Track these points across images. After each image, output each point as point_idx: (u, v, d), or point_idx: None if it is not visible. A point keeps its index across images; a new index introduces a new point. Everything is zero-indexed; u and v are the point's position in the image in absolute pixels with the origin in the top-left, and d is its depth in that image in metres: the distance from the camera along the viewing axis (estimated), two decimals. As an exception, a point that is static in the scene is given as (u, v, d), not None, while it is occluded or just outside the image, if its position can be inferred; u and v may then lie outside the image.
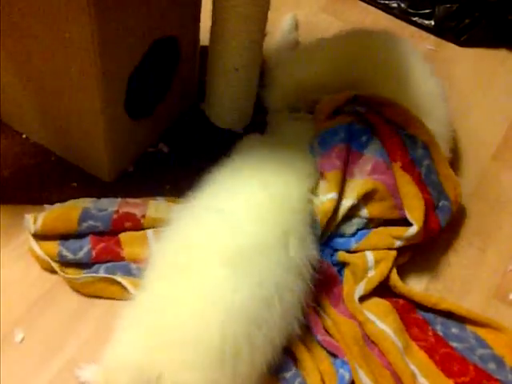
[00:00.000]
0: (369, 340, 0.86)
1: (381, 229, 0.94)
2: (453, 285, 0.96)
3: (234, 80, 1.00)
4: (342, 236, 0.94)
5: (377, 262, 0.91)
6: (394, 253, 0.92)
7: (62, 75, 0.86)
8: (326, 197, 0.91)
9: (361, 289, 0.90)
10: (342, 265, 0.93)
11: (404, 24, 1.36)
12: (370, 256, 0.92)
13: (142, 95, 0.96)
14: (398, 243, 0.92)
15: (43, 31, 0.81)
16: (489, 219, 1.05)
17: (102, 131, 0.90)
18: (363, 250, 0.93)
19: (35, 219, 0.89)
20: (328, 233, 0.93)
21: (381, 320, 0.87)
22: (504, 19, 1.30)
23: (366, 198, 0.93)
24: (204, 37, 1.01)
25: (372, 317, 0.87)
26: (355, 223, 0.94)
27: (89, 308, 0.87)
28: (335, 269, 0.92)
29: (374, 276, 0.90)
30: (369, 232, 0.94)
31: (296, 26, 1.28)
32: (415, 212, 0.91)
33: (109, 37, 0.80)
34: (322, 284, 0.88)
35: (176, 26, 0.94)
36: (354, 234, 0.95)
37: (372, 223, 0.95)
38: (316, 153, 0.95)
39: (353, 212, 0.94)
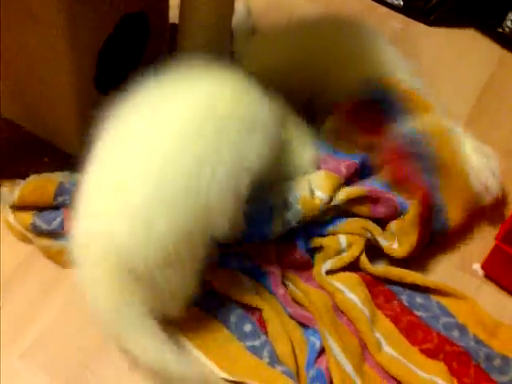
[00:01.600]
0: (338, 310, 0.89)
1: (357, 219, 0.95)
2: (419, 256, 0.99)
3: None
4: (317, 223, 0.95)
5: (349, 244, 0.93)
6: (364, 239, 0.94)
7: (32, 51, 0.86)
8: (319, 194, 0.92)
9: (328, 264, 0.92)
10: (315, 250, 0.94)
11: (374, 3, 1.38)
12: (342, 238, 0.93)
13: (112, 70, 0.97)
14: (368, 235, 0.94)
15: (11, 7, 0.81)
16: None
17: (71, 105, 0.90)
18: (336, 234, 0.94)
19: (11, 191, 0.90)
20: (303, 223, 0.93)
21: (349, 290, 0.90)
22: (471, -1, 1.33)
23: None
24: (174, 14, 1.02)
25: (341, 287, 0.90)
26: (331, 214, 0.95)
27: (64, 277, 0.89)
28: (308, 255, 0.93)
29: (344, 256, 0.92)
30: (346, 220, 0.95)
31: (249, 12, 1.25)
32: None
33: (76, 11, 0.81)
34: (294, 267, 0.91)
35: (145, 1, 0.95)
36: (329, 222, 0.95)
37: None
38: (323, 148, 0.99)
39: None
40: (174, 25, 1.03)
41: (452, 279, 0.98)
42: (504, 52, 1.32)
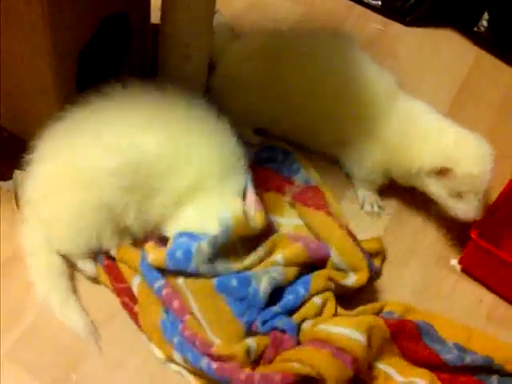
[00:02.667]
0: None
1: (317, 272, 0.92)
2: (397, 252, 1.01)
3: (184, 56, 1.02)
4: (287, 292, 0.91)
5: (323, 304, 0.90)
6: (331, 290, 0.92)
7: (14, 53, 0.87)
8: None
9: (309, 323, 0.89)
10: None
11: (352, 4, 1.40)
12: (316, 299, 0.90)
13: (94, 72, 0.97)
14: (332, 286, 0.92)
15: (-7, 7, 0.82)
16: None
17: (54, 106, 0.91)
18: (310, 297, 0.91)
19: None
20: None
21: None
22: (447, -1, 1.36)
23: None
24: (156, 15, 1.03)
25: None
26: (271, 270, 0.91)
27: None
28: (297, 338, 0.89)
29: (324, 317, 0.89)
30: (310, 278, 0.92)
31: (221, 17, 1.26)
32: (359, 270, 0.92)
33: (58, 13, 0.81)
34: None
35: (126, 2, 0.95)
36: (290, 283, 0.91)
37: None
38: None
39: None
40: (155, 25, 1.04)
41: (430, 275, 1.00)
42: (480, 51, 1.35)
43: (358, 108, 1.03)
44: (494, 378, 0.87)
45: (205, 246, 0.85)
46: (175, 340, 0.83)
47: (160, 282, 0.86)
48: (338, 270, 0.92)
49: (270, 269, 0.89)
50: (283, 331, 0.85)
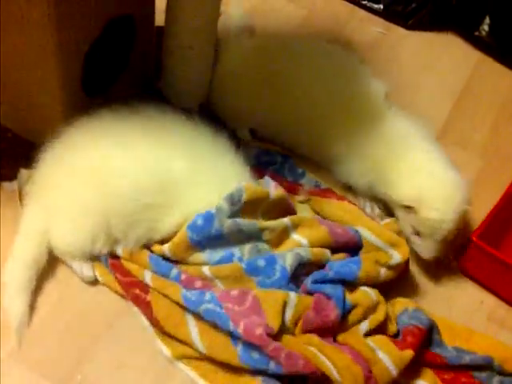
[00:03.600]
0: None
1: (365, 254, 0.94)
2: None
3: (188, 59, 1.03)
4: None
5: (377, 301, 0.90)
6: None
7: (20, 52, 0.87)
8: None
9: (365, 325, 0.89)
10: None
11: (354, 7, 1.41)
12: (372, 294, 0.91)
13: (99, 73, 0.98)
14: (381, 272, 0.93)
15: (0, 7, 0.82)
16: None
17: (59, 107, 0.91)
18: (363, 282, 0.91)
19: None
20: None
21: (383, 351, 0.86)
22: (449, 4, 1.36)
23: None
24: (160, 17, 1.04)
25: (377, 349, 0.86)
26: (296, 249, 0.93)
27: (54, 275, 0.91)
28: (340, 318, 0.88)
29: (378, 314, 0.90)
30: (359, 257, 0.93)
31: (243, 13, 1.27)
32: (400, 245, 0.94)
33: (65, 14, 0.82)
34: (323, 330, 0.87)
35: (132, 4, 0.96)
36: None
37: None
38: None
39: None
40: (160, 28, 1.04)
41: (431, 277, 1.01)
42: (481, 55, 1.36)
43: (345, 122, 1.04)
44: (495, 379, 0.88)
45: (223, 204, 0.88)
46: (202, 309, 0.82)
47: (175, 271, 0.88)
48: (378, 250, 0.93)
49: (295, 249, 0.90)
50: (329, 298, 0.86)
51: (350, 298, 0.88)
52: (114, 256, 0.91)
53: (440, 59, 1.35)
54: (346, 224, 0.97)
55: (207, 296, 0.84)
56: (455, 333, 0.93)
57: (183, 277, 0.88)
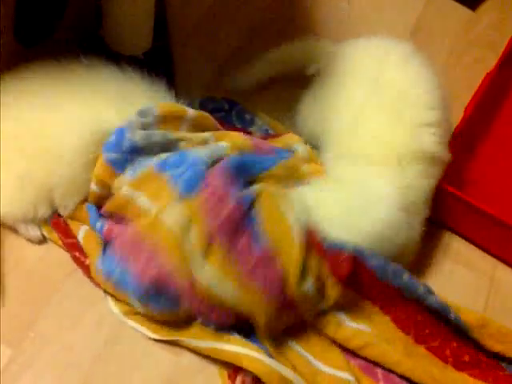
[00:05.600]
0: None
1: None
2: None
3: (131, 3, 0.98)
4: None
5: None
6: None
7: None
8: None
9: None
10: None
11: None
12: None
13: (34, 20, 0.93)
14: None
15: None
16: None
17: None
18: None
19: None
20: None
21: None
22: None
23: None
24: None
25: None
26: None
27: None
28: None
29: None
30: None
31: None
32: None
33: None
34: None
35: None
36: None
37: None
38: None
39: None
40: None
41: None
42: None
43: None
44: None
45: (133, 117, 0.85)
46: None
47: (99, 224, 0.85)
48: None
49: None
50: None
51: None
52: (56, 214, 0.89)
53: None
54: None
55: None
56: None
57: (104, 228, 0.85)
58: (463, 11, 1.32)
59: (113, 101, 0.88)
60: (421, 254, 0.95)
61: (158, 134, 0.86)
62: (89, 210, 0.87)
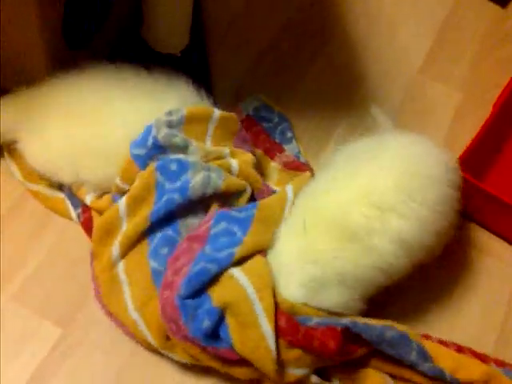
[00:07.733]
0: None
1: None
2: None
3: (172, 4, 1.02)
4: None
5: None
6: None
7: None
8: None
9: None
10: None
11: None
12: None
13: (80, 23, 0.97)
14: None
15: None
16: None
17: (39, 59, 0.91)
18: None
19: None
20: None
21: None
22: None
23: None
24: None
25: None
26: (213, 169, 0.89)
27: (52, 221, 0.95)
28: None
29: None
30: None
31: None
32: None
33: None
34: None
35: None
36: None
37: None
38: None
39: None
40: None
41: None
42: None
43: None
44: None
45: (162, 116, 0.88)
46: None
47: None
48: None
49: (213, 167, 0.88)
50: None
51: None
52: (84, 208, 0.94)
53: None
54: None
55: None
56: None
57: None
58: (493, 8, 1.32)
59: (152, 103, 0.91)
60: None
61: (179, 138, 0.87)
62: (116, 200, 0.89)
